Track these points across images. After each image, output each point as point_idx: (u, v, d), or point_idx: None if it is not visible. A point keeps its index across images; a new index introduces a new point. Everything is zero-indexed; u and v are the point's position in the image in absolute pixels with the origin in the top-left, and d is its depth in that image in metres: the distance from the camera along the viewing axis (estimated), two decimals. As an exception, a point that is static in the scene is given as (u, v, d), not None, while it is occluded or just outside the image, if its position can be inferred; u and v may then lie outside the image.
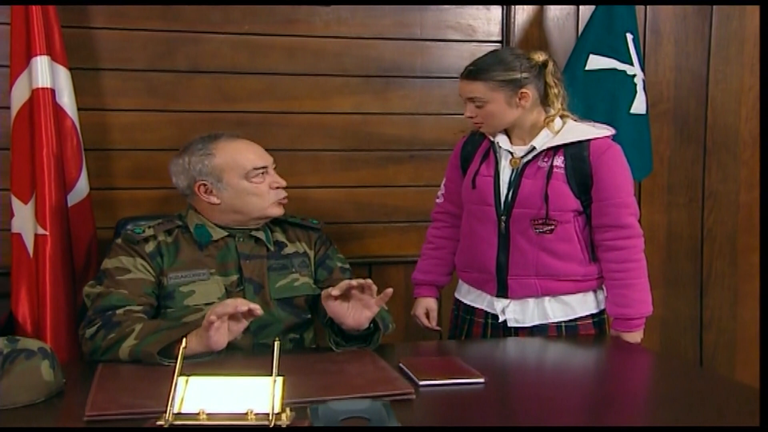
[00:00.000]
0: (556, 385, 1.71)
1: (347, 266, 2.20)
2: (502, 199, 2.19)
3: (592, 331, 2.24)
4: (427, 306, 2.40)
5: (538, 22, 3.06)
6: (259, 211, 2.06)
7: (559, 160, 2.16)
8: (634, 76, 2.78)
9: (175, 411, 1.27)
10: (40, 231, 2.31)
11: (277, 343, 1.36)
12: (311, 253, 2.16)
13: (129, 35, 2.71)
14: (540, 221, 2.15)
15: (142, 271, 1.94)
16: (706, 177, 3.25)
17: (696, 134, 3.23)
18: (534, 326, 2.22)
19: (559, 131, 2.17)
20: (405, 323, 3.00)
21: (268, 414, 1.26)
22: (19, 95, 2.36)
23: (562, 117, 2.20)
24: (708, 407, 1.56)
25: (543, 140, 2.18)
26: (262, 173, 2.08)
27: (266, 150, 2.77)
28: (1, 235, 2.51)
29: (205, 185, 2.03)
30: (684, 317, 3.29)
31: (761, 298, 3.04)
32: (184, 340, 1.48)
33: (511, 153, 2.21)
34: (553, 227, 2.15)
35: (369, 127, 2.91)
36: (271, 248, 2.10)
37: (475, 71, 2.15)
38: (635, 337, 2.20)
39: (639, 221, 2.22)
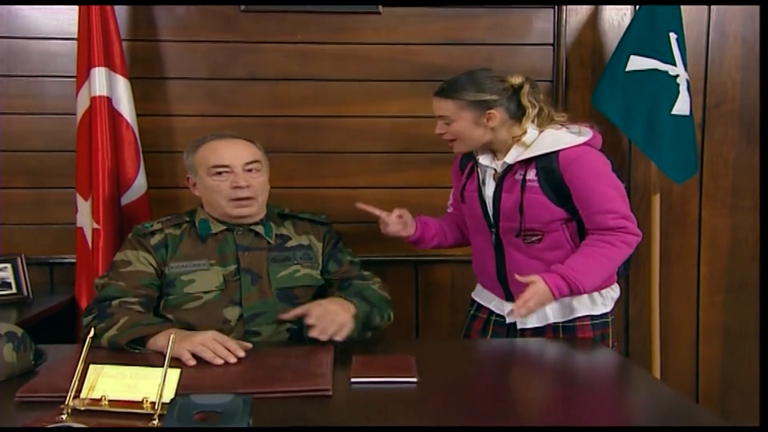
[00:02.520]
0: (492, 387, 1.72)
1: (356, 260, 2.32)
2: (490, 212, 2.25)
3: (590, 332, 2.24)
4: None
5: (591, 24, 3.05)
6: (220, 208, 2.18)
7: (531, 173, 2.16)
8: (677, 76, 2.72)
9: (82, 396, 1.41)
10: (95, 225, 2.57)
11: (172, 336, 1.49)
12: (319, 245, 2.28)
13: (192, 47, 2.94)
14: (527, 232, 2.17)
15: (143, 264, 2.11)
16: (775, 180, 3.13)
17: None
18: (534, 327, 2.25)
19: (531, 145, 2.17)
20: (450, 321, 3.09)
21: (154, 403, 1.37)
22: (81, 103, 2.65)
23: (540, 127, 2.20)
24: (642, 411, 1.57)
25: (513, 155, 2.19)
26: (225, 172, 2.17)
27: (314, 152, 2.95)
28: (70, 229, 2.78)
29: (189, 178, 2.24)
30: (747, 325, 3.16)
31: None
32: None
33: (494, 169, 2.25)
34: (540, 237, 2.17)
35: (416, 130, 2.99)
36: (272, 241, 2.22)
37: (447, 90, 2.20)
38: (546, 297, 2.05)
39: (637, 222, 2.17)
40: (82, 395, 1.41)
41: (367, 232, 2.72)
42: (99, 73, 2.61)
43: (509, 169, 2.20)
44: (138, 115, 2.81)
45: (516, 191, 2.17)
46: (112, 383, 1.43)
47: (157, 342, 1.87)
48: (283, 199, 2.95)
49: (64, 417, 1.37)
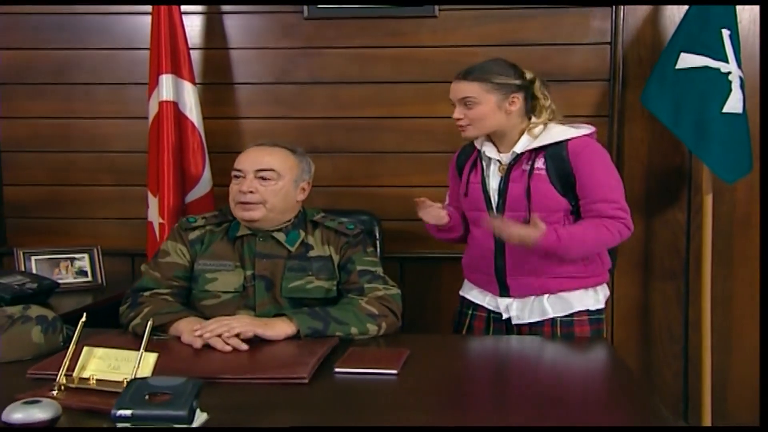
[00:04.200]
0: (474, 384, 1.76)
1: (372, 269, 2.27)
2: (494, 205, 2.29)
3: (587, 327, 2.26)
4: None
5: (651, 21, 3.01)
6: (233, 211, 2.29)
7: (540, 162, 2.23)
8: (729, 73, 2.65)
9: (74, 375, 1.57)
10: (160, 220, 2.81)
11: (149, 323, 1.62)
12: (336, 258, 2.29)
13: (259, 54, 3.14)
14: (528, 222, 2.20)
15: (179, 256, 2.27)
16: None
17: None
18: (533, 322, 2.28)
19: (539, 136, 2.25)
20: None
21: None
22: (152, 108, 2.90)
23: (544, 124, 2.27)
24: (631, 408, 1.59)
25: (523, 144, 2.26)
26: (239, 176, 2.27)
27: (371, 152, 3.04)
28: (143, 224, 3.04)
29: None
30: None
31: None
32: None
33: (499, 161, 2.30)
34: None
35: (471, 131, 3.05)
36: (293, 250, 2.27)
37: (474, 71, 2.27)
38: (530, 238, 2.11)
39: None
40: (75, 374, 1.58)
41: (419, 230, 2.82)
42: (166, 80, 2.85)
43: (517, 159, 2.26)
44: (208, 118, 3.04)
45: (523, 180, 2.23)
46: (100, 364, 1.59)
47: (179, 327, 2.03)
48: (341, 197, 3.12)
49: (54, 393, 1.55)
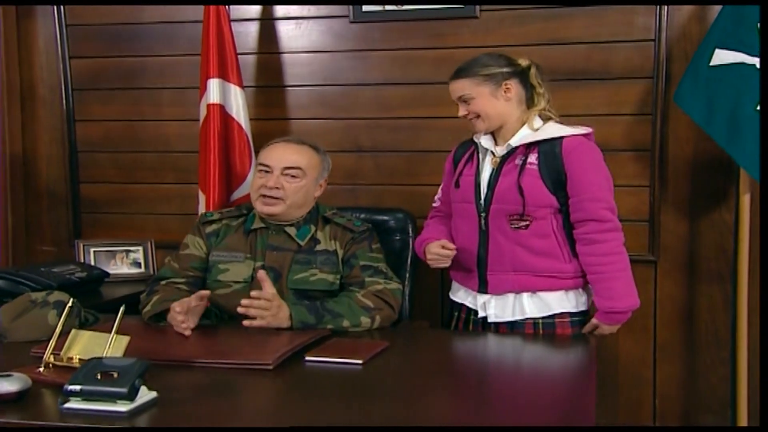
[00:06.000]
0: (429, 377, 1.81)
1: (375, 264, 2.37)
2: (482, 195, 2.30)
3: (569, 329, 2.25)
4: (439, 243, 2.34)
5: (698, 16, 2.93)
6: (253, 204, 2.41)
7: (533, 157, 2.25)
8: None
9: (62, 354, 1.72)
10: (207, 217, 2.98)
11: (122, 309, 1.75)
12: (341, 252, 2.39)
13: (306, 57, 3.26)
14: (516, 216, 2.23)
15: (197, 248, 2.43)
16: None
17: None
18: (513, 322, 2.28)
19: (537, 129, 2.26)
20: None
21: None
22: (201, 110, 3.07)
23: (545, 118, 2.29)
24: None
25: (520, 137, 2.27)
26: (265, 171, 2.38)
27: (413, 151, 3.12)
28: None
29: None
30: None
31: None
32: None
33: (492, 152, 2.32)
34: (528, 223, 2.21)
35: (511, 130, 3.07)
36: (302, 244, 2.37)
37: (460, 70, 2.34)
38: (614, 329, 2.22)
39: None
40: (62, 353, 1.75)
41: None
42: (213, 84, 3.02)
43: (511, 153, 2.28)
44: (260, 120, 3.22)
45: (514, 174, 2.25)
46: (84, 345, 1.75)
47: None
48: (383, 195, 3.22)
49: (41, 369, 1.72)
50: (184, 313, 2.09)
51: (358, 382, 1.73)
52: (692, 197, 3.00)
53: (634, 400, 3.09)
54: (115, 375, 1.50)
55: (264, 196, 2.36)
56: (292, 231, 2.39)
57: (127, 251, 3.12)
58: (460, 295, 2.44)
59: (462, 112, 2.36)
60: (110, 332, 1.73)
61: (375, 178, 3.22)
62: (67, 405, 1.50)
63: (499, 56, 2.36)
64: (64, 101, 3.47)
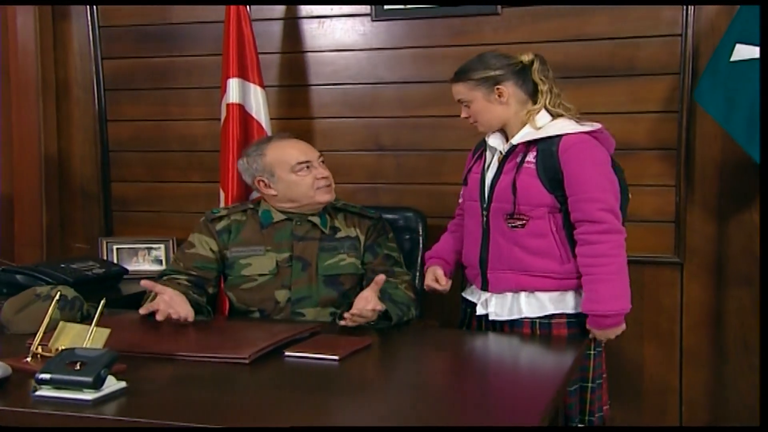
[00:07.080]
0: (404, 373, 1.82)
1: (395, 255, 2.48)
2: (486, 194, 2.26)
3: (564, 330, 2.19)
4: (434, 272, 2.43)
5: (726, 10, 2.82)
6: (308, 199, 2.43)
7: (531, 156, 2.19)
8: (788, 65, 2.44)
9: (50, 345, 1.76)
10: (227, 214, 3.00)
11: (102, 302, 1.78)
12: (362, 238, 2.47)
13: (331, 56, 3.27)
14: (512, 216, 2.18)
15: (203, 247, 2.45)
16: None
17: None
18: (511, 321, 2.23)
19: (542, 127, 2.19)
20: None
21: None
22: (222, 109, 3.10)
23: (555, 115, 2.20)
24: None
25: (521, 135, 2.22)
26: (307, 167, 2.43)
27: (434, 150, 3.13)
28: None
29: (263, 181, 2.47)
30: None
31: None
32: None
33: (500, 151, 2.27)
34: (524, 222, 2.16)
35: (532, 128, 3.01)
36: (326, 232, 2.44)
37: (457, 74, 2.29)
38: (607, 334, 2.13)
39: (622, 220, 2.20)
40: (50, 344, 1.78)
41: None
42: (233, 83, 3.04)
43: (512, 150, 2.24)
44: (281, 119, 3.24)
45: (512, 173, 2.21)
46: (69, 337, 1.78)
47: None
48: (404, 195, 3.20)
49: (28, 359, 1.76)
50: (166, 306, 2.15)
51: (332, 377, 1.73)
52: (720, 197, 2.90)
53: (660, 407, 3.00)
54: (83, 365, 1.52)
55: (325, 186, 2.45)
56: (316, 220, 2.46)
57: (149, 248, 3.18)
58: (468, 292, 2.44)
59: (463, 114, 2.35)
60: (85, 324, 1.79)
61: (396, 177, 3.20)
62: (38, 393, 1.54)
63: (497, 56, 2.30)
64: (96, 101, 3.55)
